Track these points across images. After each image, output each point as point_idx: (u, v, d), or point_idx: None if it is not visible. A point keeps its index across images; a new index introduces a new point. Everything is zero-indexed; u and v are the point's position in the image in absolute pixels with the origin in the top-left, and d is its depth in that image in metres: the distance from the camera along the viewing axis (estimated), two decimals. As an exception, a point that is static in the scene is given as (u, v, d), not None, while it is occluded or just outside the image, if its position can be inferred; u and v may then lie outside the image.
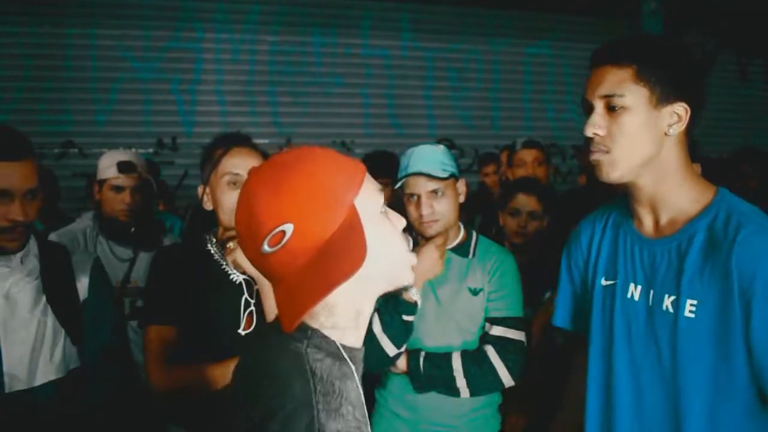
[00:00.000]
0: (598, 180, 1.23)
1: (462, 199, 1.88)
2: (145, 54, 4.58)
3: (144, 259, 2.32)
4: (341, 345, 0.88)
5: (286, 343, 0.86)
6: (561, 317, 1.52)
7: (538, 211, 2.38)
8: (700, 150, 2.18)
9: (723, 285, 1.10)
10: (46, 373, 1.47)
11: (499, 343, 1.80)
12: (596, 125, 1.17)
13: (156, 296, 1.66)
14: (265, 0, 4.83)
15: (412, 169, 1.79)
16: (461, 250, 1.89)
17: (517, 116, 5.40)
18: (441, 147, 1.89)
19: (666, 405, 1.19)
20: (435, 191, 1.80)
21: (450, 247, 1.88)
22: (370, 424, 2.06)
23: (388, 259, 0.88)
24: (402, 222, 0.93)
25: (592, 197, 2.38)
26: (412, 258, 0.93)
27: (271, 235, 0.82)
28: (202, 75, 4.71)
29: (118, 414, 1.69)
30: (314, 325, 0.87)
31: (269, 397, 0.81)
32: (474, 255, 1.89)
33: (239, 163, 1.64)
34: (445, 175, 1.80)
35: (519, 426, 2.11)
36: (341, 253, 0.81)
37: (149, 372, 1.58)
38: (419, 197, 1.80)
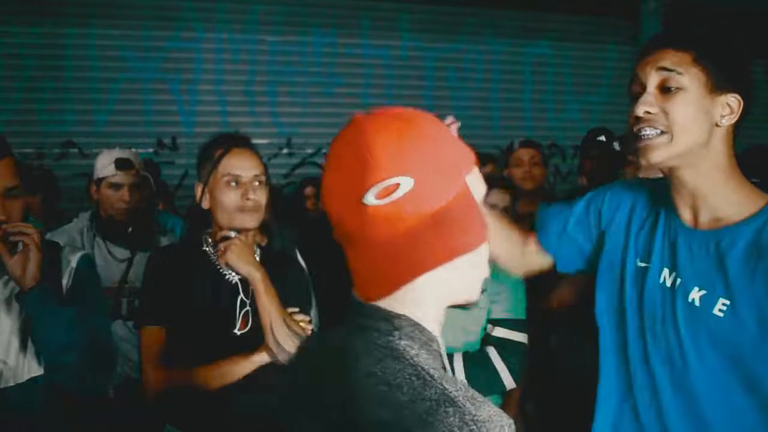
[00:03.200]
0: (598, 181, 1.22)
1: None
2: (145, 54, 4.57)
3: (141, 259, 2.32)
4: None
5: (374, 338, 0.74)
6: (542, 239, 1.45)
7: (538, 159, 2.82)
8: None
9: (765, 292, 1.08)
10: (31, 369, 1.46)
11: (502, 345, 1.79)
12: (649, 103, 1.14)
13: (151, 297, 1.66)
14: (265, 0, 4.82)
15: None
16: None
17: (517, 116, 5.40)
18: None
19: (676, 391, 1.18)
20: None
21: None
22: None
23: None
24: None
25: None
26: (487, 272, 0.83)
27: (381, 185, 0.71)
28: (202, 75, 4.71)
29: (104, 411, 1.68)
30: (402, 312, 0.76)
31: (387, 404, 0.68)
32: None
33: (239, 164, 1.64)
34: None
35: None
36: (462, 224, 0.74)
37: (145, 373, 1.58)
38: None
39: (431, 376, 0.70)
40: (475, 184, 0.79)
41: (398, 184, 0.71)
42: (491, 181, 2.39)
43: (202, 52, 4.70)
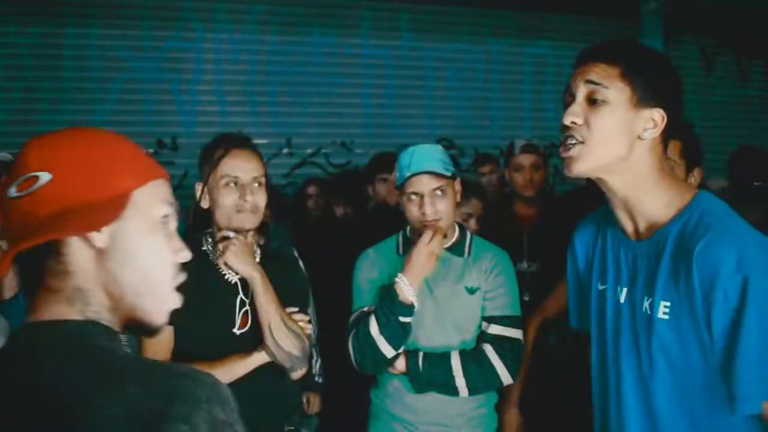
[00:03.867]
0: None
1: (458, 198, 1.88)
2: (144, 54, 4.57)
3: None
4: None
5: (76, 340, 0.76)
6: (573, 318, 1.54)
7: (539, 164, 2.76)
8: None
9: (688, 289, 1.12)
10: None
11: (498, 342, 1.81)
12: (575, 114, 1.19)
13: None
14: (265, 0, 4.82)
15: (417, 168, 1.79)
16: (456, 249, 1.89)
17: (517, 116, 5.40)
18: (439, 147, 1.90)
19: (641, 405, 1.21)
20: (438, 190, 1.79)
21: (446, 246, 1.88)
22: (366, 425, 2.06)
23: (142, 264, 0.82)
24: (182, 256, 0.87)
25: (593, 197, 2.39)
26: (171, 295, 0.85)
27: (22, 178, 0.80)
28: (202, 75, 4.71)
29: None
30: (78, 317, 0.78)
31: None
32: (470, 254, 1.90)
33: (238, 165, 1.65)
34: (448, 173, 1.81)
35: (515, 425, 2.12)
36: (88, 214, 0.78)
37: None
38: (422, 196, 1.79)
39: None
40: (154, 201, 0.85)
41: (37, 178, 0.79)
42: (467, 188, 2.43)
43: (202, 52, 4.70)
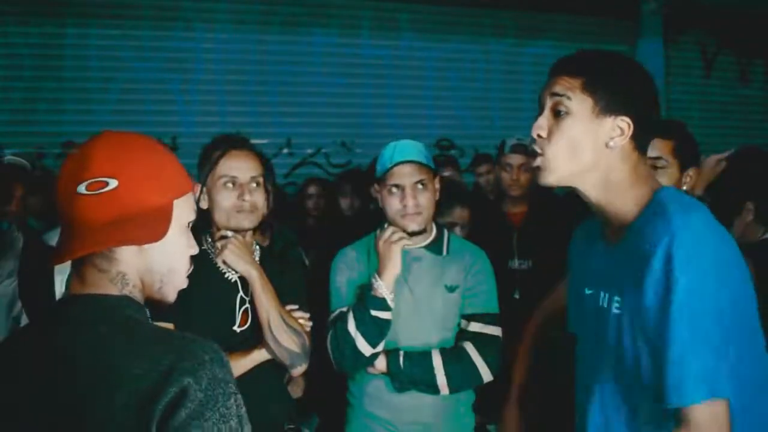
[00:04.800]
0: None
1: (437, 196, 1.87)
2: (144, 54, 4.58)
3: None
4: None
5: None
6: (569, 321, 1.53)
7: (528, 163, 2.67)
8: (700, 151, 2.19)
9: (635, 285, 1.12)
10: None
11: (478, 339, 1.82)
12: (540, 126, 1.22)
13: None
14: (265, 0, 4.83)
15: (399, 158, 1.80)
16: (435, 247, 1.90)
17: (517, 116, 5.39)
18: (422, 143, 1.91)
19: (597, 405, 1.23)
20: (420, 183, 1.80)
21: (424, 244, 1.89)
22: (344, 425, 2.07)
23: (170, 260, 1.01)
24: (194, 250, 1.06)
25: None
26: (185, 280, 1.06)
27: (92, 180, 0.94)
28: (202, 75, 4.72)
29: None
30: (117, 293, 0.97)
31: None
32: (448, 252, 1.90)
33: (236, 166, 1.67)
34: (431, 166, 1.82)
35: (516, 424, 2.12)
36: (143, 225, 0.94)
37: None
38: (404, 189, 1.80)
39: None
40: (187, 208, 1.03)
41: (106, 183, 0.94)
42: (452, 197, 2.42)
43: (202, 52, 4.71)
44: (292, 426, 1.77)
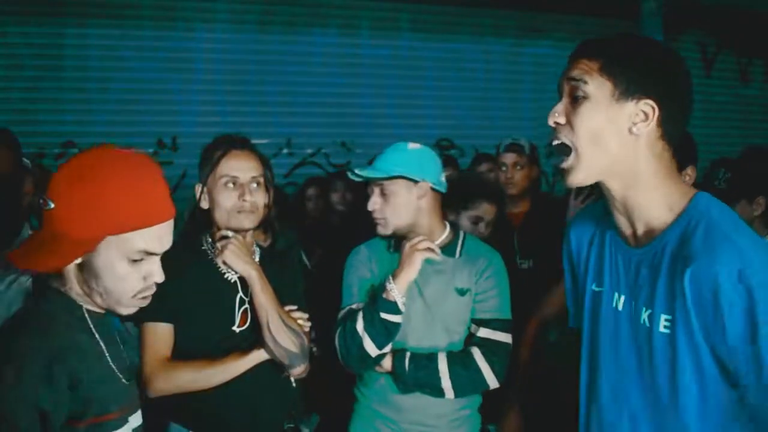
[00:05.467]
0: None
1: (424, 203, 1.85)
2: (144, 54, 4.58)
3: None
4: (86, 309, 1.16)
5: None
6: (571, 317, 1.49)
7: (522, 162, 2.82)
8: (700, 151, 2.19)
9: (684, 304, 1.06)
10: None
11: (486, 345, 1.80)
12: (557, 113, 1.15)
13: (155, 294, 1.66)
14: (265, 0, 4.83)
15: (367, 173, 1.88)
16: (447, 250, 1.88)
17: (517, 116, 5.40)
18: (414, 146, 1.90)
19: (652, 417, 1.15)
20: (381, 189, 1.84)
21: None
22: (350, 422, 2.07)
23: (107, 283, 1.11)
24: (154, 278, 1.16)
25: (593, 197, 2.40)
26: (130, 303, 1.15)
27: (45, 196, 1.08)
28: (202, 75, 4.71)
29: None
30: (60, 288, 1.15)
31: None
32: (461, 255, 1.88)
33: (237, 166, 1.67)
34: (381, 174, 1.82)
35: (516, 424, 2.12)
36: (53, 252, 1.06)
37: (146, 368, 1.59)
38: (371, 194, 1.86)
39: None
40: (131, 240, 1.09)
41: (47, 202, 1.07)
42: (479, 191, 2.41)
43: (202, 52, 4.71)
44: (292, 426, 1.77)
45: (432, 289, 1.85)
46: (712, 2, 5.45)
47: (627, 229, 1.19)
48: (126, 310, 1.16)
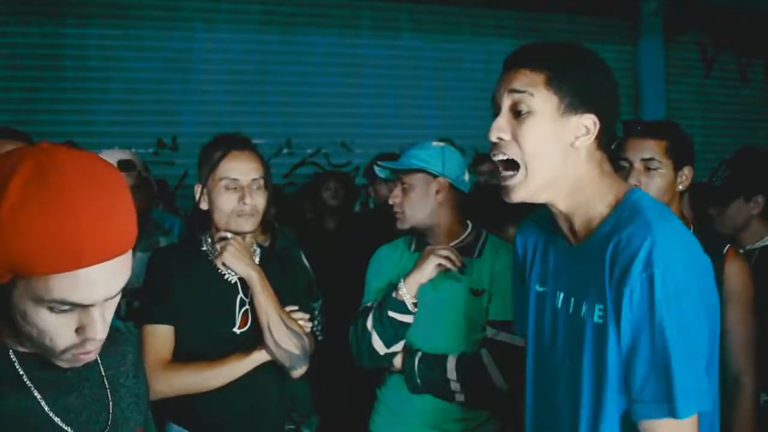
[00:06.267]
0: None
1: (441, 198, 1.85)
2: (144, 54, 4.57)
3: (141, 259, 2.32)
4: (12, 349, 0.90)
5: None
6: (517, 324, 1.47)
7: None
8: (700, 151, 2.18)
9: (617, 292, 1.05)
10: None
11: (498, 348, 1.76)
12: (500, 128, 1.11)
13: (153, 296, 1.66)
14: (265, 0, 4.82)
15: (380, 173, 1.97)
16: (465, 249, 1.86)
17: (517, 116, 5.40)
18: (438, 144, 1.91)
19: (572, 412, 1.14)
20: (402, 184, 1.87)
21: (452, 245, 1.86)
22: (370, 421, 2.05)
23: (30, 330, 0.83)
24: (94, 334, 0.85)
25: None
26: (61, 357, 0.87)
27: None
28: (202, 75, 4.71)
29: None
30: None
31: None
32: (479, 255, 1.86)
33: (237, 167, 1.64)
34: (401, 167, 1.85)
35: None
36: None
37: (146, 370, 1.58)
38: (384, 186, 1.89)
39: None
40: (50, 284, 0.79)
41: None
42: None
43: (202, 52, 4.70)
44: (292, 427, 1.76)
45: (445, 288, 1.82)
46: (711, 2, 5.45)
47: (566, 228, 1.19)
48: (65, 365, 0.89)
